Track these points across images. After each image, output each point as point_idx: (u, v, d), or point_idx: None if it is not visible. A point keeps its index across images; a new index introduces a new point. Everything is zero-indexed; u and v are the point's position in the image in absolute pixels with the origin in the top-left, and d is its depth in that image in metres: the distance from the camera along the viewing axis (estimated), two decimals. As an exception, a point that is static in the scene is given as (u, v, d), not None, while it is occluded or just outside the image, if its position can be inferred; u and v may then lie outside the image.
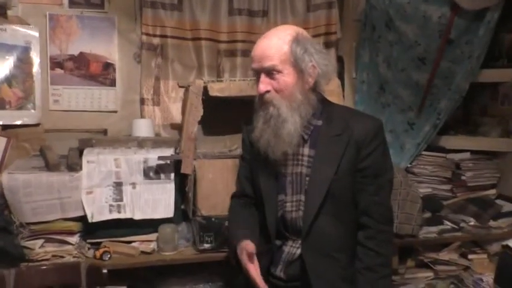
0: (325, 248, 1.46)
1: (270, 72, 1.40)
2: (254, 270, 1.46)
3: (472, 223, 2.41)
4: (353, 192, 1.47)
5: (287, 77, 1.39)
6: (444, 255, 2.40)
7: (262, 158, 1.48)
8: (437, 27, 2.43)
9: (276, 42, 1.39)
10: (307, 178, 1.46)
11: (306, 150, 1.47)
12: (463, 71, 2.46)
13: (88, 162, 2.06)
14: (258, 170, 1.54)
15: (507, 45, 2.57)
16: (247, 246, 1.47)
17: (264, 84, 1.41)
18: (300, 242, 1.49)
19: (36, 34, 2.42)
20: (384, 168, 1.49)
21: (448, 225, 2.40)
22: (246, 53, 2.71)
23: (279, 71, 1.39)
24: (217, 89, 2.15)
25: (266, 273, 1.54)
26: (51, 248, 1.95)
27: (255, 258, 1.47)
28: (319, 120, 1.47)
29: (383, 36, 2.63)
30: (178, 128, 2.55)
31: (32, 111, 2.42)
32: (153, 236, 2.11)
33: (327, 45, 2.78)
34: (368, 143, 1.43)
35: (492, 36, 2.43)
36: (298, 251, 1.50)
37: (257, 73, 1.43)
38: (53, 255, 1.93)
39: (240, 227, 1.60)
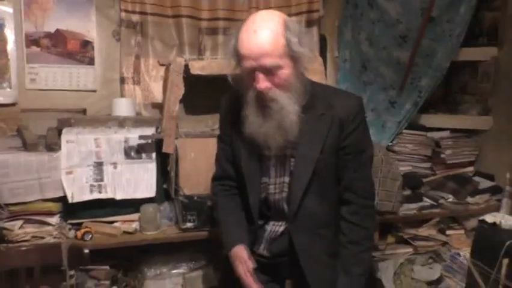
0: (312, 226, 1.48)
1: (270, 69, 1.32)
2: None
3: (450, 199, 2.46)
4: (336, 169, 1.48)
5: (287, 70, 1.33)
6: (423, 231, 2.46)
7: (245, 138, 1.46)
8: (419, 5, 2.43)
9: (271, 36, 1.29)
10: (291, 159, 1.46)
11: None
12: (443, 49, 2.47)
13: (67, 142, 2.03)
14: (240, 152, 1.52)
15: (487, 23, 2.59)
16: (247, 263, 1.46)
17: (264, 82, 1.32)
18: (282, 221, 1.51)
19: (10, 10, 2.34)
20: (366, 144, 1.51)
21: (427, 201, 2.45)
22: (228, 31, 2.67)
23: (279, 67, 1.32)
24: (198, 67, 2.11)
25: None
26: (31, 229, 1.93)
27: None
28: (303, 101, 1.46)
29: (366, 14, 2.63)
30: (159, 107, 2.51)
31: (8, 90, 2.36)
32: (135, 216, 2.11)
33: (310, 23, 2.76)
34: (350, 121, 1.44)
35: (473, 15, 2.45)
36: (281, 229, 1.51)
37: (250, 70, 1.33)
38: (33, 236, 1.91)
39: (231, 226, 1.56)
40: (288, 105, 1.36)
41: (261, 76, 1.32)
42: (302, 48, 1.34)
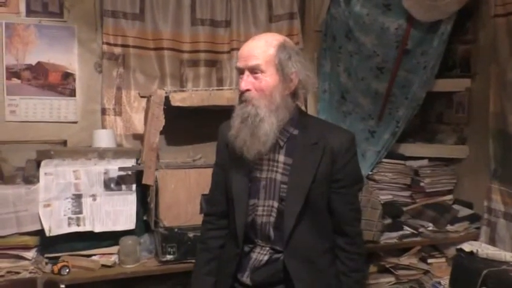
0: (305, 253, 1.49)
1: (254, 72, 1.43)
2: None
3: (430, 228, 2.48)
4: (327, 199, 1.51)
5: (269, 78, 1.43)
6: (404, 260, 2.47)
7: (238, 161, 1.50)
8: (394, 38, 2.51)
9: (263, 44, 1.44)
10: (282, 185, 1.48)
11: (282, 157, 1.50)
12: (419, 80, 2.55)
13: (45, 174, 2.02)
14: (232, 173, 1.55)
15: (460, 55, 2.68)
16: None
17: (246, 83, 1.44)
18: (267, 248, 1.52)
19: (-9, 43, 2.36)
20: (357, 177, 1.59)
21: (407, 230, 2.47)
22: (209, 63, 2.72)
23: (262, 71, 1.42)
24: (179, 99, 2.14)
25: (232, 279, 1.55)
26: (6, 264, 1.89)
27: None
28: (295, 129, 1.50)
29: (344, 47, 2.70)
30: (140, 138, 2.52)
31: (-13, 122, 2.35)
32: (114, 249, 2.08)
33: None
34: (343, 154, 1.48)
35: (446, 47, 2.54)
36: (266, 258, 1.51)
37: (241, 72, 1.47)
38: (8, 272, 1.87)
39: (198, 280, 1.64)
40: (264, 114, 1.42)
41: (245, 77, 1.44)
42: (290, 65, 1.44)
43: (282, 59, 1.43)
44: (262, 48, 1.43)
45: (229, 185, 1.55)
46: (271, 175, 1.50)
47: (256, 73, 1.43)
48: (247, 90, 1.44)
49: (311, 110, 2.84)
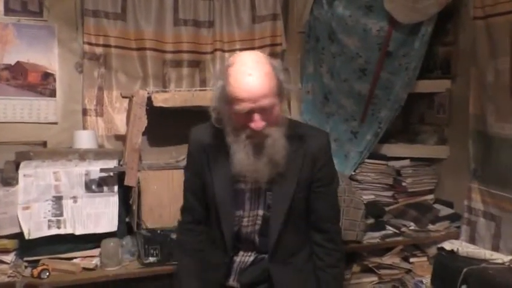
0: (286, 256, 1.52)
1: (266, 109, 1.34)
2: None
3: (412, 227, 2.50)
4: (307, 201, 1.52)
5: (278, 106, 1.38)
6: (387, 260, 2.49)
7: (219, 171, 1.47)
8: (376, 40, 2.53)
9: (265, 79, 1.32)
10: (268, 193, 1.49)
11: None
12: (401, 81, 2.58)
13: (24, 175, 1.98)
14: (213, 185, 1.51)
15: (441, 57, 2.72)
16: None
17: (261, 122, 1.34)
18: (251, 252, 1.53)
19: (-31, 43, 2.31)
20: (334, 175, 1.63)
21: (390, 230, 2.49)
22: (192, 64, 2.71)
23: (274, 105, 1.36)
24: (161, 100, 2.12)
25: (220, 286, 1.55)
26: (-17, 268, 1.85)
27: None
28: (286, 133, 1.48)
29: (327, 48, 2.72)
30: (122, 139, 2.49)
31: (-36, 123, 2.30)
32: (96, 252, 2.05)
33: (273, 56, 2.81)
34: (322, 155, 1.51)
35: (427, 49, 2.57)
36: (251, 259, 1.53)
37: (241, 111, 1.34)
38: (-14, 276, 1.83)
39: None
40: (279, 140, 1.40)
41: (258, 116, 1.34)
42: (285, 84, 1.40)
43: (281, 83, 1.37)
44: (267, 83, 1.32)
45: (211, 195, 1.51)
46: (256, 185, 1.48)
47: (268, 109, 1.34)
48: (264, 126, 1.35)
49: (294, 111, 2.86)
